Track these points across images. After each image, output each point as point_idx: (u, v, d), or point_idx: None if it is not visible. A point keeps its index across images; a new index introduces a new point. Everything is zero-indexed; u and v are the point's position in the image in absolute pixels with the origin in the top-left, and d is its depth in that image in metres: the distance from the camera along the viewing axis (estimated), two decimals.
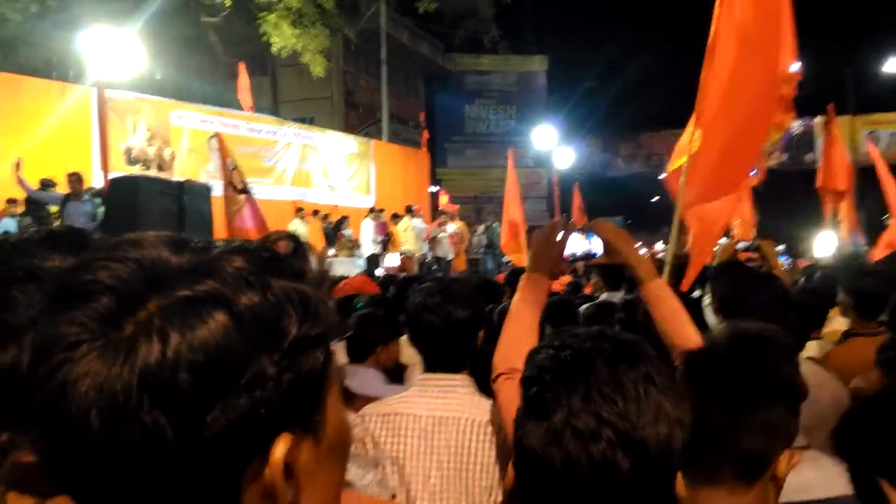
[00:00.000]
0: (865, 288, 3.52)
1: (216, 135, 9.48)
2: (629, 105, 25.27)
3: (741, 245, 5.69)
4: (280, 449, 0.55)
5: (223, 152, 8.90)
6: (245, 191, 8.92)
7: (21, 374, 0.52)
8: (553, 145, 24.31)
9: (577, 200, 14.64)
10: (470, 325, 2.29)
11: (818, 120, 22.84)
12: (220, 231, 12.22)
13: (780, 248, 9.37)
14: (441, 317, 2.16)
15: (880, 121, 24.07)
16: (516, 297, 2.07)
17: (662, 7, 24.01)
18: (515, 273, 4.56)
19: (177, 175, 12.50)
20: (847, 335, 3.24)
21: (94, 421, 0.49)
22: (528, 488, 0.98)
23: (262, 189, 10.05)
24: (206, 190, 10.68)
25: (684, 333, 1.72)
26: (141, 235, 0.58)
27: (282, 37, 15.35)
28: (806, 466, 1.43)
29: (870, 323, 3.32)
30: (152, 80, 14.29)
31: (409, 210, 15.27)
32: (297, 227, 13.33)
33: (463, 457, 1.96)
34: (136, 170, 12.26)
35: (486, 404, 2.03)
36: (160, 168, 13.00)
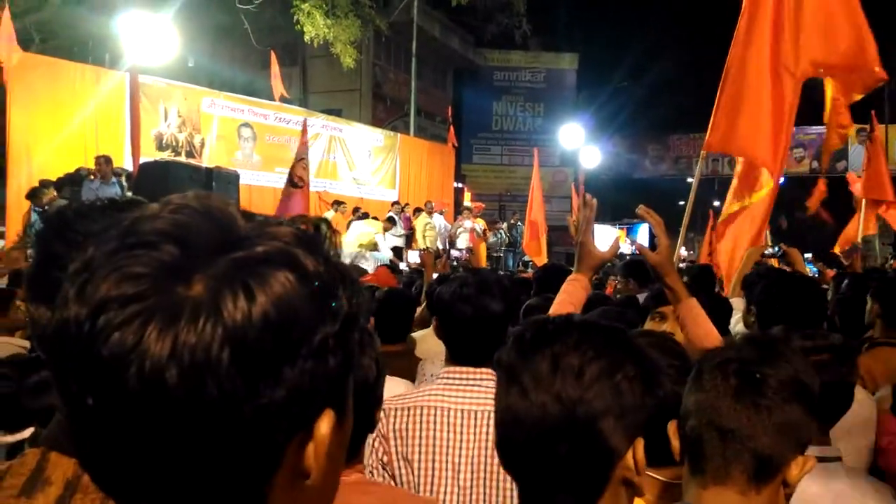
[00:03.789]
0: (893, 296, 3.48)
1: (303, 122, 9.61)
2: (658, 106, 25.03)
3: (767, 252, 5.68)
4: (325, 425, 0.55)
5: (303, 141, 9.10)
6: (296, 185, 9.09)
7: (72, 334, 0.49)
8: (580, 144, 24.18)
9: (579, 195, 14.24)
10: (503, 318, 2.28)
11: (854, 128, 22.40)
12: None
13: (808, 255, 9.22)
14: (476, 307, 2.15)
15: None
16: (559, 297, 2.11)
17: (693, 9, 23.70)
18: (546, 270, 4.59)
19: (206, 162, 12.63)
20: (872, 344, 3.20)
21: (170, 379, 0.47)
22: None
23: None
24: (234, 177, 10.80)
25: None
26: (206, 193, 0.56)
27: (314, 26, 15.42)
28: (815, 480, 1.41)
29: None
30: (185, 67, 14.44)
31: (425, 207, 15.13)
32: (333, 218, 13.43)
33: (493, 450, 1.97)
34: (166, 155, 12.40)
35: None
36: (190, 154, 13.13)
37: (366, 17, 17.04)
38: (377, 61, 22.85)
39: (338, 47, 16.18)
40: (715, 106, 5.11)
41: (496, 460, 1.95)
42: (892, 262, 9.96)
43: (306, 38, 15.88)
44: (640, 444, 0.99)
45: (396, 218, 14.17)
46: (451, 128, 20.61)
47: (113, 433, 0.49)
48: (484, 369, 2.07)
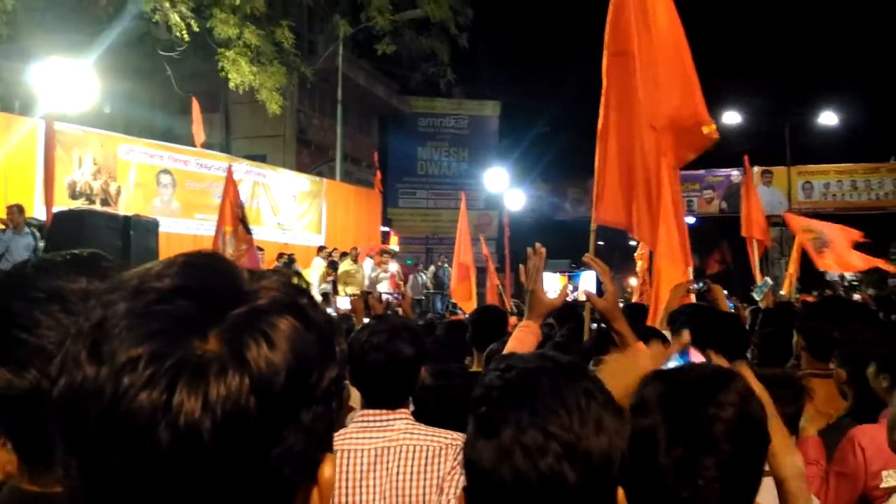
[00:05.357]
0: (819, 328, 3.69)
1: (228, 167, 9.37)
2: (578, 151, 25.88)
3: (692, 287, 5.90)
4: (328, 468, 0.55)
5: (232, 188, 8.82)
6: (249, 233, 8.85)
7: (42, 395, 0.50)
8: (504, 188, 24.72)
9: (506, 238, 14.35)
10: (415, 362, 2.34)
11: (756, 170, 23.79)
12: None
13: (724, 292, 9.72)
14: (388, 353, 2.20)
15: (814, 171, 25.20)
16: (511, 343, 2.19)
17: None
18: (482, 313, 4.66)
19: (122, 209, 12.28)
20: (801, 376, 3.37)
21: (205, 433, 0.47)
22: None
23: (210, 226, 9.90)
24: (153, 225, 10.53)
25: None
26: (199, 251, 0.57)
27: (239, 73, 15.38)
28: None
29: (821, 363, 3.47)
30: (101, 114, 14.09)
31: (351, 253, 15.00)
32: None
33: (406, 482, 1.99)
34: (80, 203, 12.00)
35: (427, 432, 2.08)
36: (105, 202, 12.74)
37: (291, 65, 17.11)
38: (301, 107, 22.87)
39: (263, 94, 16.16)
40: (596, 176, 4.83)
41: (411, 492, 1.99)
42: (797, 296, 10.55)
43: (231, 85, 15.81)
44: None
45: (337, 262, 14.11)
46: (378, 172, 20.73)
47: (140, 489, 0.48)
48: (399, 411, 2.12)
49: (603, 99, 4.81)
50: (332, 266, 13.97)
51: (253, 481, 0.49)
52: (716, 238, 14.68)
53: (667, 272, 4.90)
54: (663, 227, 4.80)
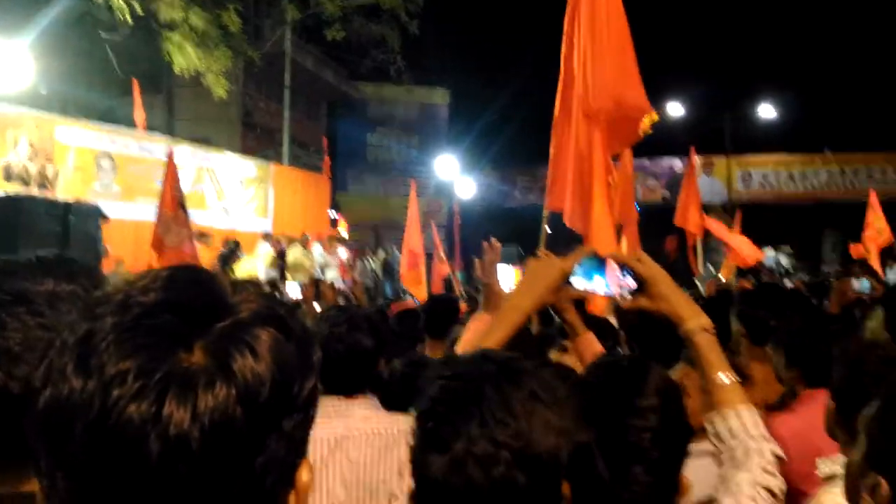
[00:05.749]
0: (757, 315, 3.83)
1: (169, 152, 9.07)
2: (527, 139, 26.10)
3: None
4: (306, 473, 0.57)
5: (172, 173, 8.55)
6: (188, 219, 8.63)
7: (10, 396, 0.49)
8: (454, 176, 24.77)
9: (456, 226, 14.23)
10: (374, 353, 2.36)
11: (698, 160, 24.38)
12: (107, 257, 11.66)
13: None
14: (348, 344, 2.22)
15: (753, 162, 25.98)
16: (466, 335, 2.22)
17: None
18: (435, 303, 4.72)
19: (60, 194, 11.87)
20: None
21: (193, 442, 0.48)
22: None
23: (152, 210, 9.62)
24: (95, 211, 10.20)
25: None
26: (182, 264, 0.58)
27: (185, 58, 14.97)
28: None
29: (759, 348, 3.61)
30: (37, 94, 13.55)
31: (301, 239, 14.81)
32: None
33: (366, 468, 2.03)
34: (15, 187, 11.55)
35: (388, 417, 2.11)
36: (42, 186, 12.29)
37: (238, 49, 16.74)
38: (247, 90, 22.41)
39: (209, 78, 15.78)
40: (550, 163, 5.06)
41: (372, 478, 2.02)
42: (739, 281, 10.88)
43: (176, 69, 15.37)
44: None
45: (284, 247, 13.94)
46: (327, 158, 20.51)
47: (128, 499, 0.49)
48: (356, 397, 2.14)
49: (560, 87, 4.94)
50: (281, 256, 13.80)
51: (238, 489, 0.51)
52: (658, 227, 15.00)
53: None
54: (597, 214, 4.94)
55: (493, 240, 2.41)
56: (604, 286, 1.63)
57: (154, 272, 0.57)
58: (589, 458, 1.26)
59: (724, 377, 1.48)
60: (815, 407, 2.31)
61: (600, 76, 4.86)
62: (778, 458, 1.43)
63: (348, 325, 2.28)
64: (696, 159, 24.84)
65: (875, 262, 12.22)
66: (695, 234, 10.10)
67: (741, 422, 1.43)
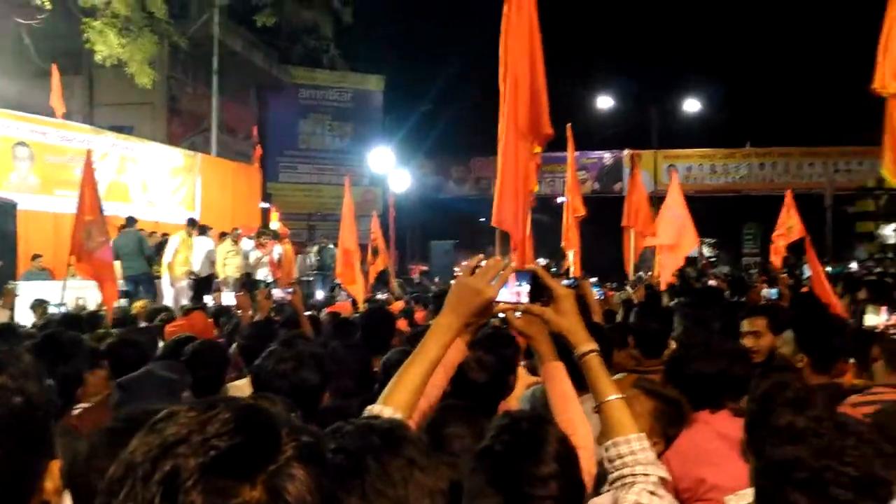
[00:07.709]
0: (649, 327, 3.99)
1: (87, 153, 8.58)
2: (461, 130, 26.19)
3: (564, 283, 6.21)
4: None
5: (90, 175, 8.14)
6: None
7: None
8: (390, 168, 24.60)
9: (374, 226, 13.09)
10: (319, 389, 2.36)
11: (626, 153, 25.05)
12: (25, 252, 11.10)
13: (593, 279, 10.24)
14: (294, 382, 2.22)
15: (679, 155, 26.82)
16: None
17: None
18: (371, 316, 4.70)
19: None
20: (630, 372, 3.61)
21: None
22: None
23: (71, 203, 9.12)
24: (10, 207, 9.71)
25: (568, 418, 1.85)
26: (248, 401, 0.75)
27: (107, 45, 14.31)
28: None
29: (651, 360, 3.75)
30: None
31: (231, 233, 14.12)
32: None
33: None
34: None
35: None
36: None
37: (162, 33, 16.11)
38: (173, 74, 21.62)
39: (133, 67, 15.14)
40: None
41: None
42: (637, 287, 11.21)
43: (98, 57, 14.69)
44: None
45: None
46: (258, 147, 20.05)
47: None
48: None
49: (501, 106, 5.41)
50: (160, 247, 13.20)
51: None
52: (589, 218, 15.31)
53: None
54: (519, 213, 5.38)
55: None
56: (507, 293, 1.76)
57: (218, 407, 0.70)
58: None
59: (615, 397, 1.68)
60: (697, 429, 2.43)
61: (520, 88, 5.53)
62: (662, 479, 1.60)
63: (295, 362, 2.28)
64: (624, 152, 25.59)
65: (779, 261, 12.97)
66: (643, 234, 10.33)
67: (630, 448, 1.61)
